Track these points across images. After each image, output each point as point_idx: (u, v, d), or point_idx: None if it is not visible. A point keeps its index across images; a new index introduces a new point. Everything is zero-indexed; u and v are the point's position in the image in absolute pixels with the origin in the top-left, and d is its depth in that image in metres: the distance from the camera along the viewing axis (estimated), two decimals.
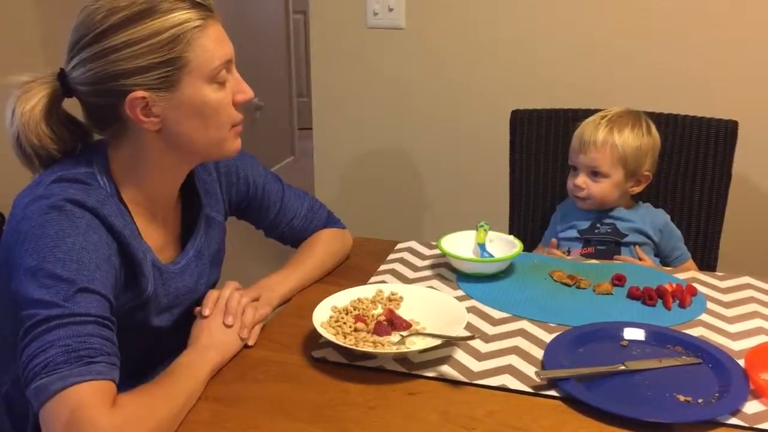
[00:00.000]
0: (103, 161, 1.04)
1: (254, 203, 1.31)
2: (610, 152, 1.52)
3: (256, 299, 1.16)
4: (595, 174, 1.54)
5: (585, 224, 1.60)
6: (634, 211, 1.60)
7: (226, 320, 1.09)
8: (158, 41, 0.96)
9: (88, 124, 1.06)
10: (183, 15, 0.97)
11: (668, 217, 1.61)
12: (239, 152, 1.15)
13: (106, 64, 0.96)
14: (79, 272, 0.91)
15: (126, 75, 0.96)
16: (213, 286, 1.23)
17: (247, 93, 1.06)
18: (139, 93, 0.97)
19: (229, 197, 1.27)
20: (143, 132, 1.01)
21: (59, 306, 0.88)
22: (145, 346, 1.13)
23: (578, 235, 1.59)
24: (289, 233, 1.37)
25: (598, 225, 1.58)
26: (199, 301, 1.13)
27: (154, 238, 1.10)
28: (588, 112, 1.67)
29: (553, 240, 1.61)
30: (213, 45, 1.00)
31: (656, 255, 1.58)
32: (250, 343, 1.10)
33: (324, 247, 1.36)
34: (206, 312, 1.10)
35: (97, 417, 0.83)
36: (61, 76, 1.01)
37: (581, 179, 1.56)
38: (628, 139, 1.52)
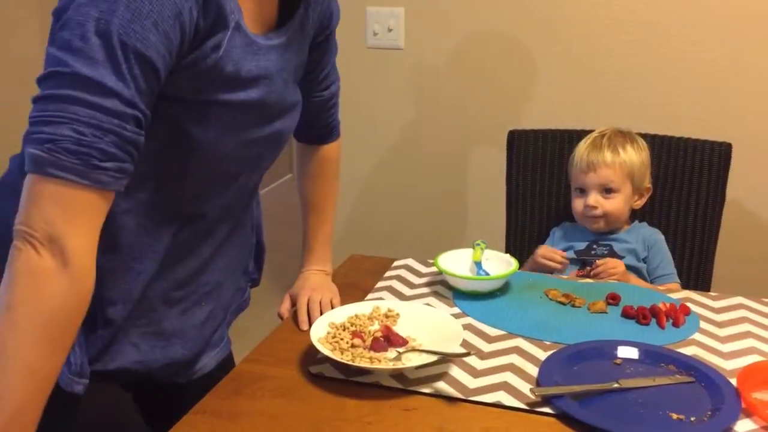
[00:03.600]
0: None
1: (323, 44, 1.21)
2: (620, 168, 1.58)
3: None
4: (607, 191, 1.58)
5: (582, 245, 1.62)
6: (630, 232, 1.62)
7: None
8: None
9: None
10: None
11: (662, 237, 1.63)
12: None
13: None
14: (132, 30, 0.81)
15: None
16: (295, 107, 1.11)
17: None
18: None
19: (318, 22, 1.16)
20: None
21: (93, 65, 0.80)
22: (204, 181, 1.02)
23: (575, 257, 1.60)
24: (314, 106, 1.26)
25: (594, 246, 1.60)
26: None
27: (248, 4, 0.98)
28: (584, 134, 1.70)
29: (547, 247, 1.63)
30: None
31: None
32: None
33: (334, 195, 1.39)
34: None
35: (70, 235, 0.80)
36: None
37: (593, 198, 1.59)
38: (632, 155, 1.59)
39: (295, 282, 1.35)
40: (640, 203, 1.63)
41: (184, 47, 0.89)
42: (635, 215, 1.67)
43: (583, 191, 1.61)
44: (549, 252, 1.59)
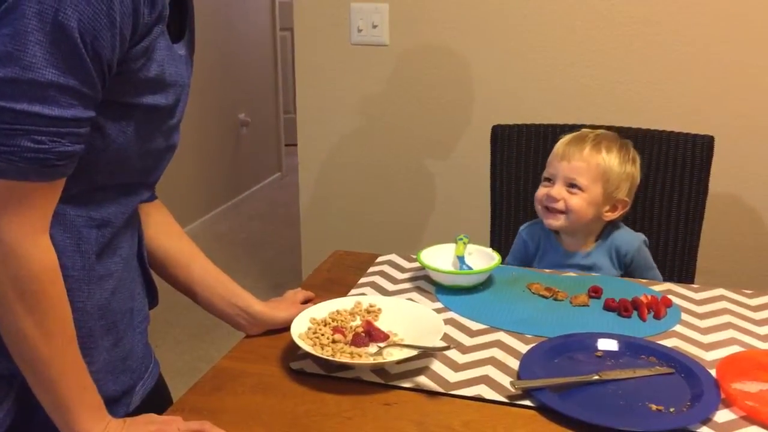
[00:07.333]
0: None
1: None
2: (595, 167, 1.44)
3: None
4: (572, 186, 1.45)
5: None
6: (600, 248, 1.51)
7: None
8: None
9: None
10: None
11: (639, 244, 1.51)
12: None
13: None
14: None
15: None
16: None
17: None
18: None
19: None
20: None
21: None
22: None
23: None
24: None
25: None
26: None
27: None
28: (567, 128, 1.70)
29: None
30: None
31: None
32: None
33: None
34: None
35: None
36: None
37: (557, 190, 1.46)
38: (613, 160, 1.46)
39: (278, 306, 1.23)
40: (611, 215, 1.49)
41: (126, 46, 0.84)
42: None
43: (549, 180, 1.49)
44: None
